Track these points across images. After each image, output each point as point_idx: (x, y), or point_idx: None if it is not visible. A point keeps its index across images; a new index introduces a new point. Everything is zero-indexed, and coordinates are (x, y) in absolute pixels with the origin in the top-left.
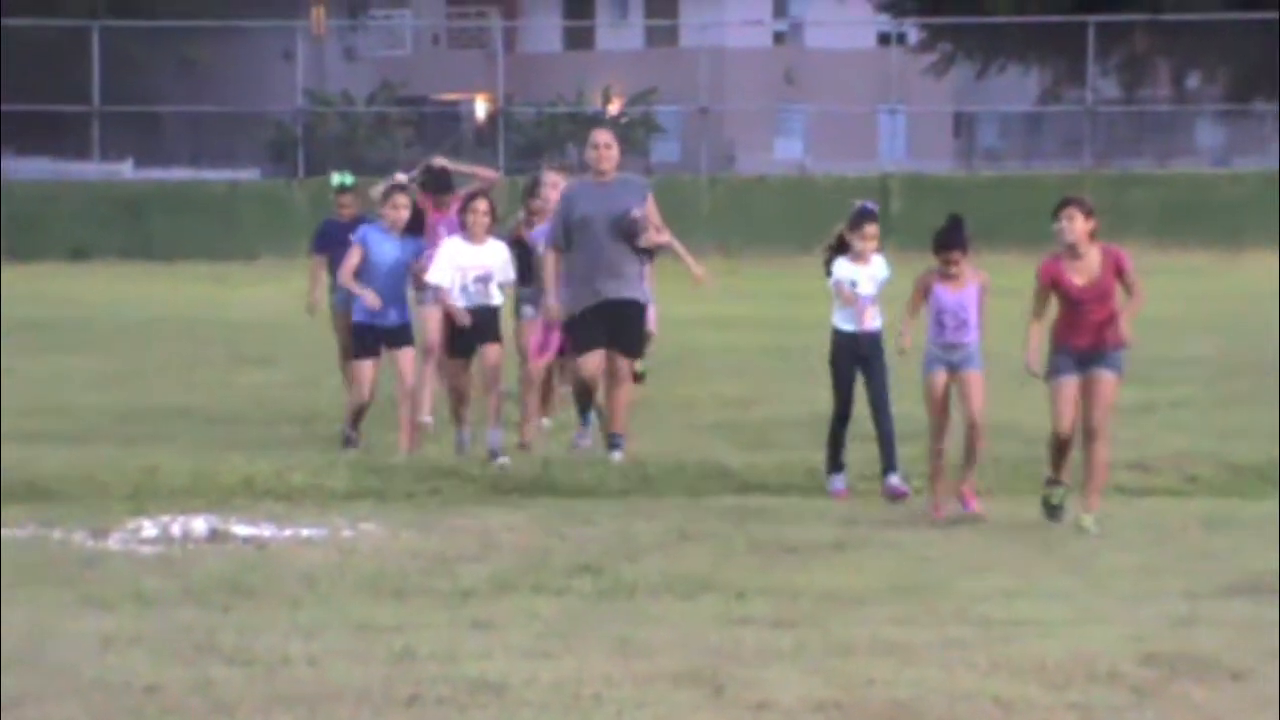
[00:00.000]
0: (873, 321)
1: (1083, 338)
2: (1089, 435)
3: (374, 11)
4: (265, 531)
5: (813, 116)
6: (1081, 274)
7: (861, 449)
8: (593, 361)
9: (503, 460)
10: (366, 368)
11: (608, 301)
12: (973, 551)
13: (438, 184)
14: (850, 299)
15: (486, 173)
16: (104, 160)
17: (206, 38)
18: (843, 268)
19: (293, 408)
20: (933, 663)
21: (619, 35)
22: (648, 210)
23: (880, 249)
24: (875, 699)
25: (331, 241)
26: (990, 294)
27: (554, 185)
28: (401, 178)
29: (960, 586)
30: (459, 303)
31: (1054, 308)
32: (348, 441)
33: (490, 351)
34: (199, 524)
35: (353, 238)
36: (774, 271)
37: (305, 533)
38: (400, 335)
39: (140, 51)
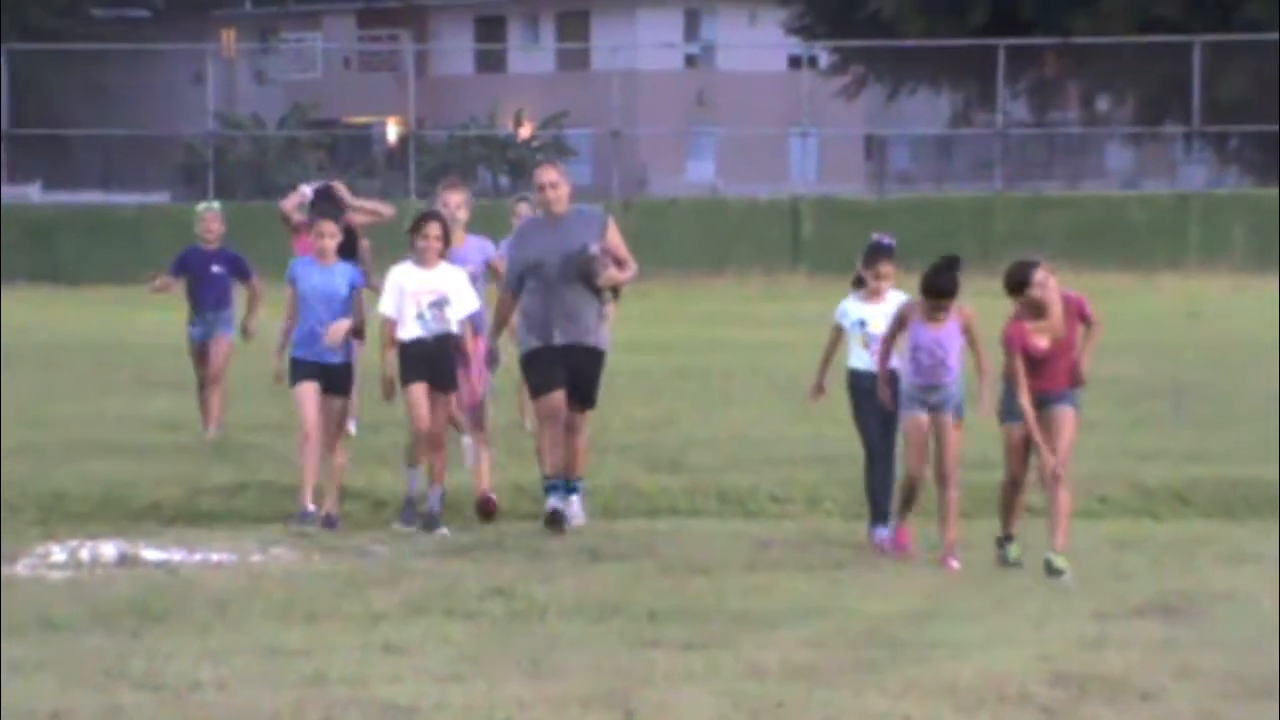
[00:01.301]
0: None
1: (1046, 381)
2: (1053, 475)
3: (285, 35)
4: (175, 556)
5: (724, 139)
6: (1046, 334)
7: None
8: (554, 400)
9: (441, 531)
10: (307, 392)
11: (561, 347)
12: (884, 574)
13: (327, 211)
14: (832, 346)
15: (384, 209)
16: (12, 183)
17: (116, 61)
18: (851, 308)
19: (202, 432)
20: (844, 685)
21: (530, 58)
22: (609, 243)
23: (894, 285)
24: None
25: (188, 268)
26: (972, 332)
27: (518, 216)
28: (306, 190)
29: (871, 608)
30: (417, 331)
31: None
32: (304, 517)
33: (441, 403)
34: (108, 549)
35: (286, 276)
36: (686, 294)
37: (215, 557)
38: (338, 378)
39: (49, 75)
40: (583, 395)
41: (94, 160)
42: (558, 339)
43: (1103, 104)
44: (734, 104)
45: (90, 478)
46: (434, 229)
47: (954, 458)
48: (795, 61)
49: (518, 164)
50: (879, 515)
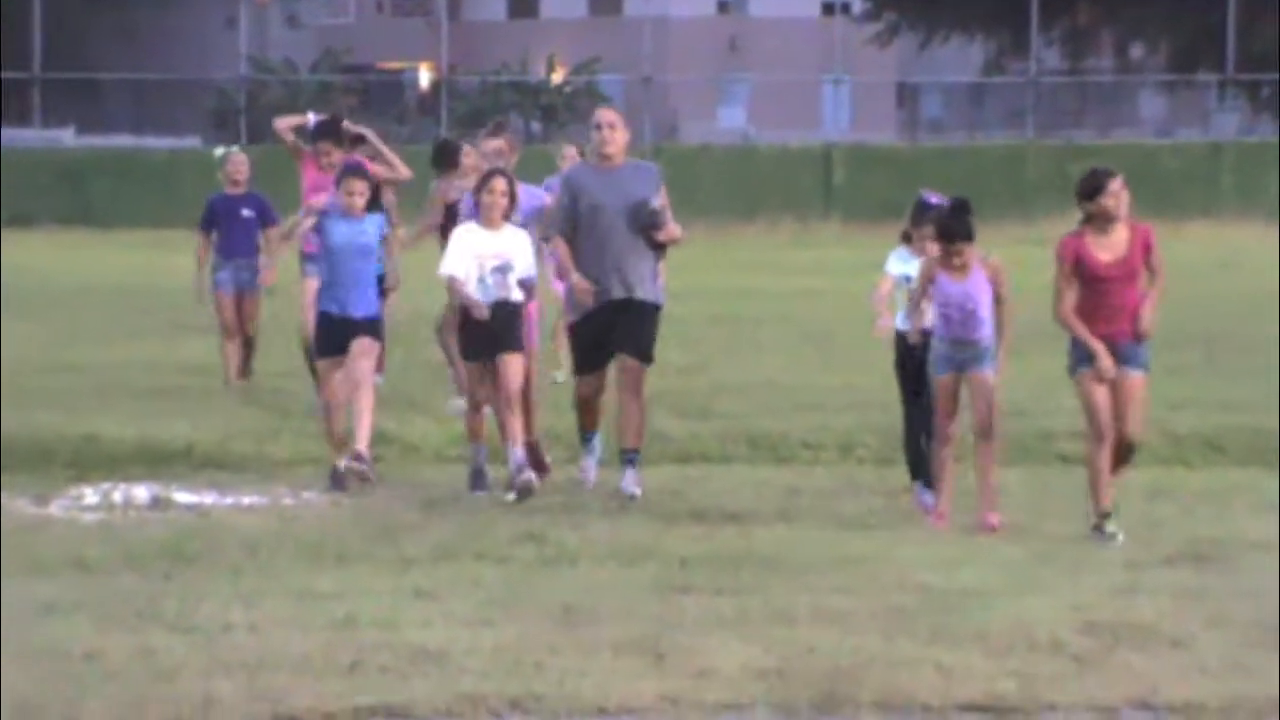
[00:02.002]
0: (929, 322)
1: (1107, 325)
2: (1123, 452)
3: None
4: (207, 499)
5: (756, 86)
6: (1107, 250)
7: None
8: (594, 383)
9: (526, 477)
10: (330, 367)
11: (617, 302)
12: (915, 521)
13: (328, 134)
14: (880, 307)
15: (402, 169)
16: (45, 127)
17: (149, 5)
18: (900, 259)
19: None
20: (874, 631)
21: (563, 4)
22: (662, 200)
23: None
24: (816, 667)
25: (218, 217)
26: (999, 285)
27: (569, 158)
28: (311, 117)
29: (902, 555)
30: (477, 297)
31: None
32: (336, 480)
33: (510, 365)
34: (140, 491)
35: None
36: (717, 241)
37: (247, 500)
38: (364, 328)
39: (82, 18)
40: (640, 349)
41: (126, 104)
42: (611, 293)
43: (1136, 52)
44: (766, 51)
45: (123, 421)
46: (500, 184)
47: (992, 413)
48: (828, 8)
49: (550, 110)
50: (919, 473)
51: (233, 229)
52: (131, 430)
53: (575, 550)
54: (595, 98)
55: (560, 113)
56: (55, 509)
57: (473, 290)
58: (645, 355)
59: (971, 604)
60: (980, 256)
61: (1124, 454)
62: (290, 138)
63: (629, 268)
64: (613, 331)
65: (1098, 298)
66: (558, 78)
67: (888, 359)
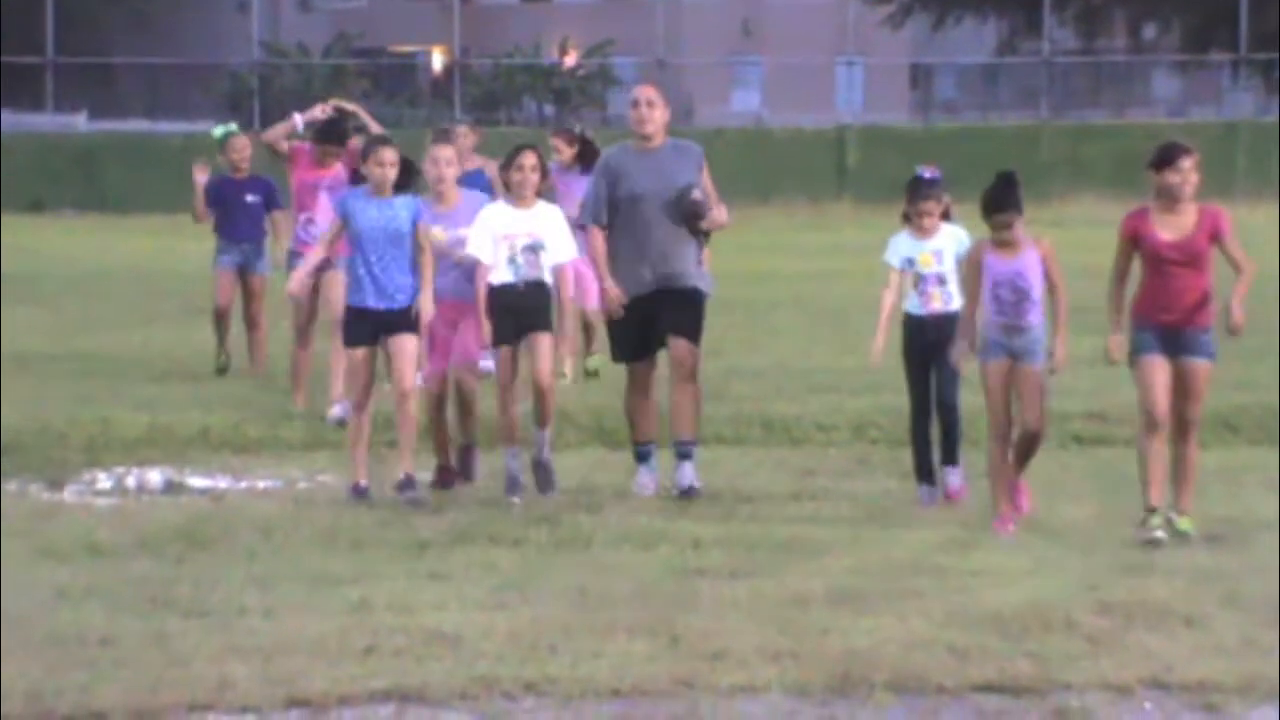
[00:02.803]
0: (941, 304)
1: (1169, 312)
2: (1182, 432)
3: None
4: (221, 483)
5: (770, 68)
6: (1171, 229)
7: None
8: (641, 378)
9: (514, 499)
10: (356, 356)
11: (661, 292)
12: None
13: (331, 137)
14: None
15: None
16: (58, 112)
17: None
18: (899, 244)
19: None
20: (888, 612)
21: None
22: (705, 184)
23: (950, 217)
24: (831, 648)
25: (220, 201)
26: (1051, 266)
27: (463, 135)
28: (297, 119)
29: (915, 537)
30: (507, 277)
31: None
32: (356, 491)
33: (541, 344)
34: (154, 476)
35: (327, 203)
36: (732, 223)
37: (261, 484)
38: (401, 321)
39: (94, 3)
40: (686, 330)
41: (139, 89)
42: (651, 283)
43: (1149, 31)
44: (780, 33)
45: (137, 405)
46: (529, 160)
47: (1042, 415)
48: None
49: (562, 93)
50: (923, 473)
51: (236, 214)
52: (145, 415)
53: (589, 533)
54: (608, 81)
55: (573, 96)
56: (69, 494)
57: (503, 271)
58: (693, 335)
59: (985, 585)
60: (1033, 236)
61: (1184, 433)
62: (284, 147)
63: (672, 257)
64: (657, 321)
65: (1159, 280)
66: (570, 61)
67: (899, 341)
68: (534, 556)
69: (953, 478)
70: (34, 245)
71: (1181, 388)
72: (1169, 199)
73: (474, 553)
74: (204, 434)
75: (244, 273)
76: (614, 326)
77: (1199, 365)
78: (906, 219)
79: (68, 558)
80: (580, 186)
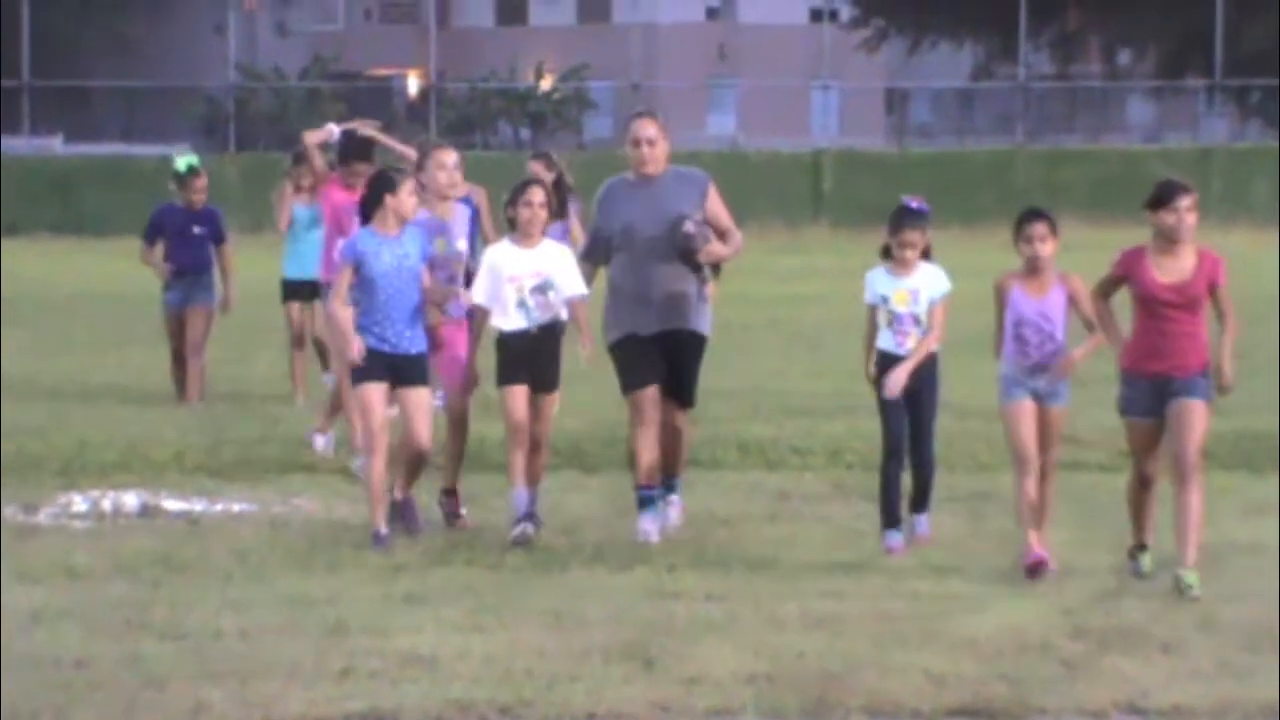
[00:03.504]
0: (916, 344)
1: (1160, 359)
2: (1181, 477)
3: None
4: (196, 506)
5: (745, 92)
6: (1168, 272)
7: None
8: (650, 395)
9: (522, 529)
10: (373, 396)
11: (658, 335)
12: (905, 526)
13: (359, 154)
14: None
15: (410, 153)
16: (34, 135)
17: (138, 12)
18: (876, 281)
19: (223, 383)
20: (864, 636)
21: (551, 10)
22: (710, 211)
23: (929, 256)
24: (806, 672)
25: (165, 230)
26: (1080, 302)
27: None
28: (334, 129)
29: (891, 561)
30: (519, 323)
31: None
32: (378, 540)
33: (546, 406)
34: (130, 499)
35: (341, 253)
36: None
37: (237, 507)
38: (415, 369)
39: (71, 26)
40: (681, 391)
41: (115, 112)
42: (650, 324)
43: (1124, 57)
44: (755, 57)
45: (113, 428)
46: (537, 196)
47: (1055, 456)
48: (816, 14)
49: (538, 117)
50: (890, 519)
51: (181, 245)
52: (121, 437)
53: (565, 555)
54: (584, 105)
55: (549, 120)
56: (44, 517)
57: (513, 317)
58: (685, 399)
59: (960, 609)
60: (1061, 272)
61: (1183, 477)
62: (319, 161)
63: (672, 296)
64: (661, 354)
65: (1151, 323)
66: (546, 84)
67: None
68: (510, 579)
69: (921, 525)
70: (10, 268)
71: (1176, 426)
72: (1166, 240)
73: (450, 575)
74: (179, 457)
75: (186, 310)
76: (620, 357)
77: (1194, 404)
78: (886, 253)
79: (43, 580)
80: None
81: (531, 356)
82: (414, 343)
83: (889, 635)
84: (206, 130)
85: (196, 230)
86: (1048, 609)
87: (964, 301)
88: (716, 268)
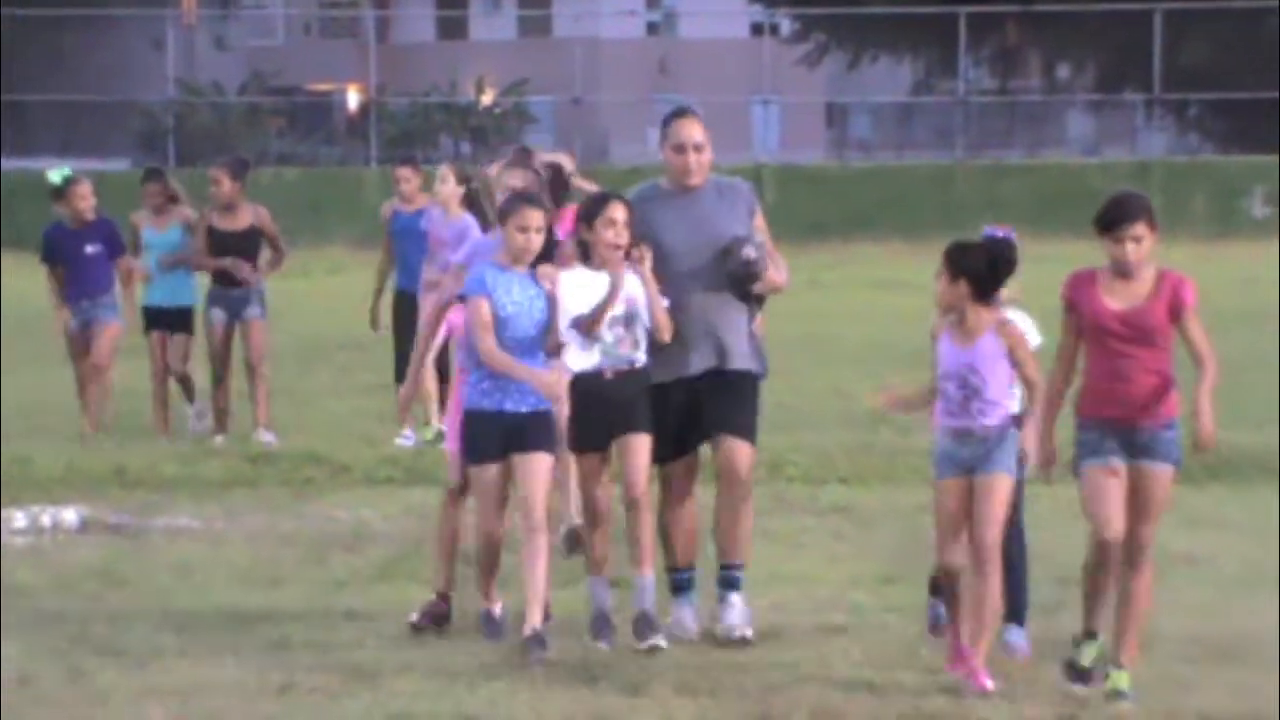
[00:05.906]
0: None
1: (1118, 404)
2: (1129, 558)
3: (245, 0)
4: (137, 521)
5: None
6: (1119, 297)
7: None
8: (680, 485)
9: (658, 641)
10: (490, 482)
11: (705, 375)
12: (845, 540)
13: (556, 186)
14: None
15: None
16: None
17: (75, 26)
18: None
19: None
20: (807, 649)
21: (492, 25)
22: (757, 232)
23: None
24: (749, 686)
25: (57, 252)
26: (1017, 352)
27: (442, 179)
28: (490, 171)
29: (834, 574)
30: (592, 360)
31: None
32: (490, 625)
33: (638, 451)
34: (69, 514)
35: (464, 288)
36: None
37: (178, 523)
38: (541, 430)
39: (6, 40)
40: (739, 426)
41: (53, 127)
42: (697, 365)
43: (1064, 71)
44: (696, 72)
45: (54, 444)
46: (619, 212)
47: (995, 535)
48: (757, 29)
49: (479, 131)
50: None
51: (75, 268)
52: (61, 453)
53: (508, 570)
54: (525, 119)
55: (490, 134)
56: None
57: (591, 357)
58: (745, 431)
59: (903, 622)
60: (994, 320)
61: (1133, 558)
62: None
63: (719, 327)
64: (701, 410)
65: (1104, 361)
66: (487, 99)
67: (819, 378)
68: (452, 593)
69: (1016, 635)
70: None
71: (1135, 501)
72: (1119, 266)
73: (392, 590)
74: (120, 473)
75: (90, 332)
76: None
77: (1158, 472)
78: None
79: None
80: (465, 232)
81: (610, 405)
82: (534, 400)
83: (832, 649)
84: (145, 145)
85: (89, 250)
86: None
87: (906, 314)
88: (761, 299)
